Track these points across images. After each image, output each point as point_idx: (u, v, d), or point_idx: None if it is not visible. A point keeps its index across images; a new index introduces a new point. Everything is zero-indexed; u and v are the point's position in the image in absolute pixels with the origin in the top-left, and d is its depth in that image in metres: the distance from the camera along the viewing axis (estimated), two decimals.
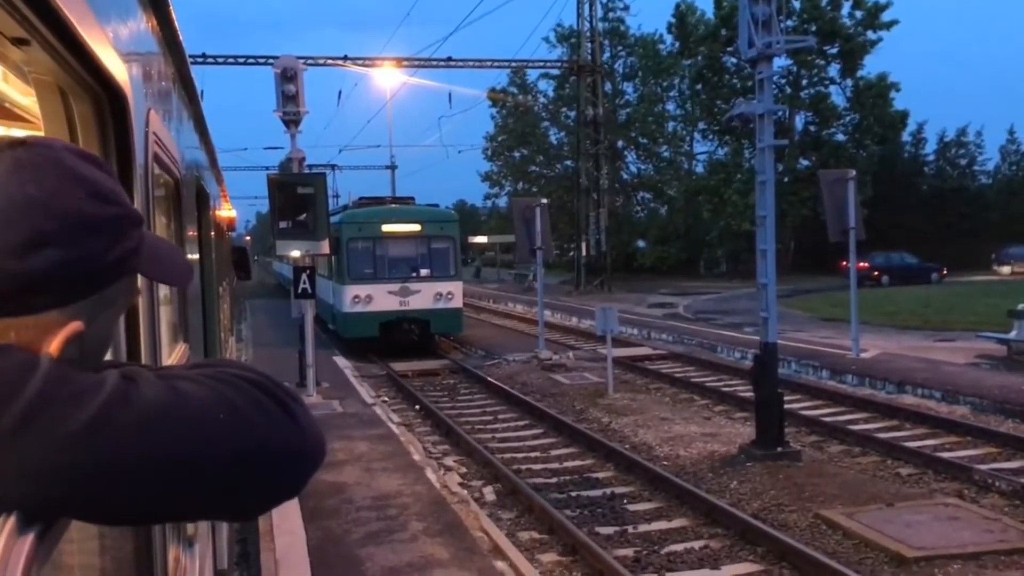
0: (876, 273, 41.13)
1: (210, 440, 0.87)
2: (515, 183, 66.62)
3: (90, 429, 0.82)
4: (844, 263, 39.68)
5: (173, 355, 2.47)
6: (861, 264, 40.45)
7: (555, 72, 55.47)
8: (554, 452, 12.62)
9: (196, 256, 3.91)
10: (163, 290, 2.36)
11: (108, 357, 1.18)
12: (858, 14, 49.84)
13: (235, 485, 0.90)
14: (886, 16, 49.38)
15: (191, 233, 3.45)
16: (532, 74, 60.24)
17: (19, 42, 1.12)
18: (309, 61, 27.58)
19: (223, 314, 7.36)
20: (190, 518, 0.95)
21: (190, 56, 3.09)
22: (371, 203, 26.36)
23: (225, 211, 9.85)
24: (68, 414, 0.82)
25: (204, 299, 4.89)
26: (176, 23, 2.46)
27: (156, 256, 1.11)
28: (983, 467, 10.62)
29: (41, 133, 1.58)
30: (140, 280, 1.67)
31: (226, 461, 0.88)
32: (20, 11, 1.03)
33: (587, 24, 44.22)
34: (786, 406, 12.09)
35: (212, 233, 5.68)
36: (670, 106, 63.25)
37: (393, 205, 26.06)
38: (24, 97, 2.15)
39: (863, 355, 18.11)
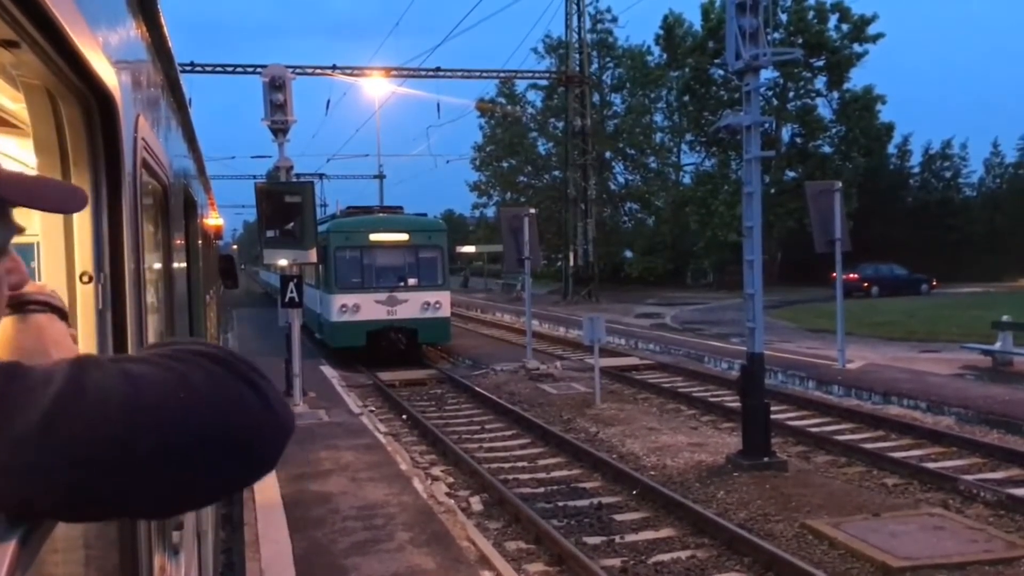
0: (866, 284, 41.40)
1: (171, 422, 0.83)
2: (503, 193, 66.65)
3: (45, 424, 0.78)
4: (833, 274, 40.34)
5: None
6: (851, 275, 41.16)
7: (543, 83, 55.60)
8: (541, 462, 12.61)
9: (183, 265, 3.89)
10: (149, 298, 2.35)
11: None
12: (844, 27, 50.20)
13: (203, 465, 0.85)
14: (872, 29, 49.77)
15: (178, 241, 3.44)
16: (520, 85, 60.36)
17: (8, 44, 1.12)
18: (297, 70, 27.54)
19: (210, 323, 7.32)
20: (164, 505, 0.88)
21: (178, 64, 3.09)
22: (359, 212, 26.32)
23: (212, 219, 9.81)
24: (20, 411, 0.78)
25: (191, 307, 4.87)
26: (166, 29, 2.46)
27: (22, 183, 1.04)
28: (968, 477, 10.67)
29: (30, 137, 1.58)
30: (128, 286, 1.67)
31: (190, 442, 0.84)
32: (9, 12, 1.02)
33: (575, 35, 44.40)
34: (773, 416, 12.13)
35: (199, 241, 5.66)
36: (658, 117, 63.55)
37: (381, 214, 26.02)
38: (14, 103, 2.14)
39: (849, 366, 18.20)
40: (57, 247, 1.52)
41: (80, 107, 1.44)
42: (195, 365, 0.87)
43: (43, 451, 0.78)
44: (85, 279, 1.51)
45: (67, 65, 1.26)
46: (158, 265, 2.71)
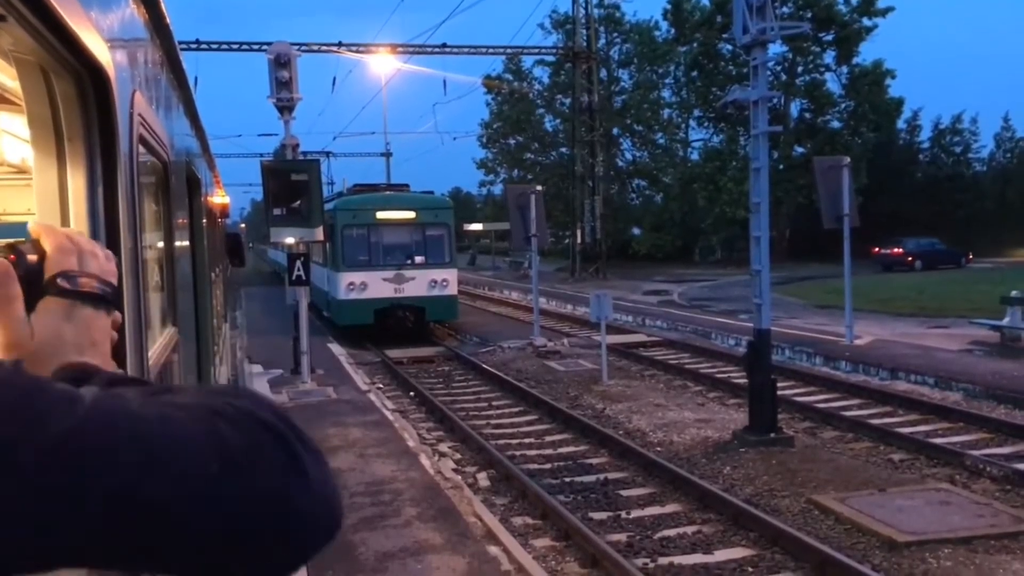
0: (910, 258, 42.26)
1: (188, 488, 0.70)
2: (510, 170, 66.54)
3: (43, 463, 0.66)
4: (876, 249, 41.18)
5: (161, 338, 2.47)
6: (895, 250, 42.05)
7: (550, 59, 55.35)
8: (548, 438, 12.66)
9: (186, 243, 3.90)
10: (150, 277, 2.35)
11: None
12: (854, 1, 49.73)
13: (215, 551, 0.72)
14: (882, 3, 49.30)
15: (181, 220, 3.44)
16: (527, 61, 60.10)
17: None
18: (303, 47, 27.47)
19: (216, 301, 7.34)
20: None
21: (183, 42, 3.10)
22: (366, 190, 26.32)
23: (218, 197, 9.80)
24: (24, 439, 0.66)
25: (196, 285, 4.88)
26: (164, 7, 2.44)
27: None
28: (975, 452, 10.68)
29: (23, 115, 1.58)
30: (125, 263, 1.67)
31: (206, 518, 0.71)
32: None
33: (582, 11, 44.08)
34: (779, 392, 12.14)
35: (204, 219, 5.66)
36: (665, 93, 63.23)
37: (388, 192, 26.01)
38: (12, 80, 2.14)
39: (857, 342, 18.17)
40: (52, 221, 1.53)
41: (73, 82, 1.44)
42: (237, 425, 0.75)
43: (32, 494, 0.66)
44: None
45: (57, 40, 1.25)
46: (159, 244, 2.72)
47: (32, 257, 0.98)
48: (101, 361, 0.98)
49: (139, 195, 1.85)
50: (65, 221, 1.52)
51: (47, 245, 0.99)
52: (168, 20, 2.64)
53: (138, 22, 2.19)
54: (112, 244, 1.60)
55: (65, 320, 0.97)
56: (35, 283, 0.97)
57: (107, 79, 1.47)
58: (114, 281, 1.05)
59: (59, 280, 0.98)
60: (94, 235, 1.54)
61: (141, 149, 2.02)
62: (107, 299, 1.02)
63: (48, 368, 0.93)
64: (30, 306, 0.96)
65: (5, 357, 0.93)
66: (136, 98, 1.88)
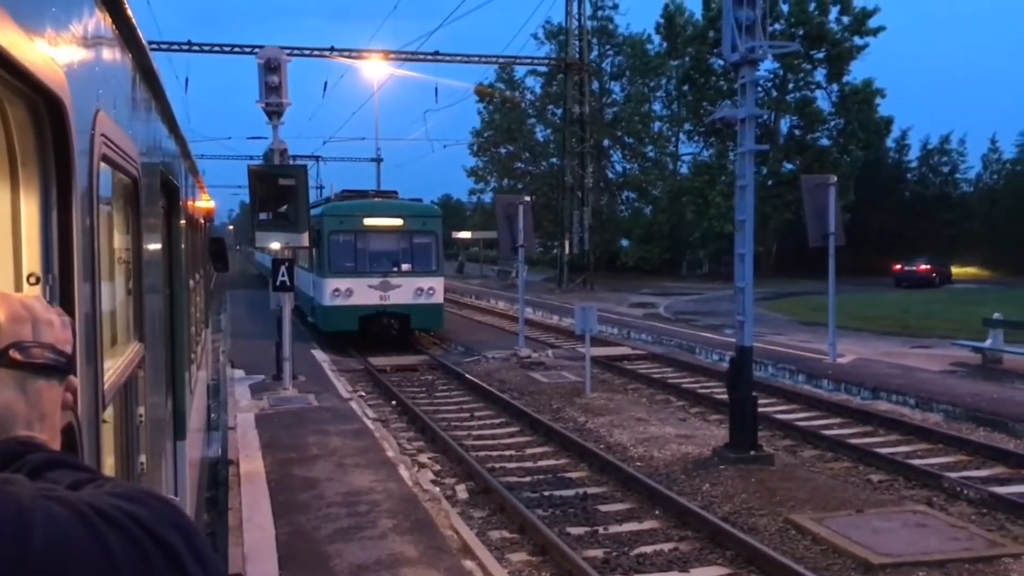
0: (934, 275, 43.89)
1: None
2: (500, 179, 66.61)
3: None
4: (897, 266, 42.45)
5: (124, 357, 2.45)
6: (921, 267, 43.27)
7: (543, 69, 55.45)
8: (529, 451, 12.63)
9: (158, 252, 3.87)
10: (112, 293, 2.33)
11: None
12: (845, 19, 50.14)
13: None
14: (873, 22, 49.77)
15: (152, 230, 3.42)
16: (520, 70, 60.21)
17: None
18: (295, 51, 27.43)
19: (195, 307, 7.30)
20: None
21: (175, 44, 3.06)
22: (354, 196, 26.23)
23: (202, 202, 9.77)
24: None
25: (172, 293, 4.86)
26: (133, 18, 2.42)
27: None
28: (953, 475, 10.71)
29: None
30: (79, 288, 1.65)
31: None
32: None
33: (575, 22, 44.23)
34: (761, 409, 12.16)
35: (183, 225, 5.63)
36: (656, 106, 63.52)
37: (376, 199, 25.94)
38: None
39: (839, 360, 18.23)
40: (4, 247, 1.51)
41: (27, 108, 1.42)
42: (123, 531, 0.75)
43: None
44: (32, 280, 1.50)
45: (8, 72, 1.24)
46: (124, 258, 2.69)
47: None
48: (48, 434, 0.96)
49: (99, 217, 1.83)
50: (17, 246, 1.50)
51: (0, 314, 0.97)
52: (139, 31, 2.62)
53: (105, 37, 2.17)
54: (65, 268, 1.58)
55: (18, 393, 0.95)
56: None
57: (62, 104, 1.45)
58: (68, 349, 1.02)
59: (12, 352, 0.95)
60: (46, 260, 1.52)
61: (105, 167, 2.00)
62: (61, 369, 1.00)
63: None
64: None
65: None
66: (99, 117, 1.86)
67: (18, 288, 1.50)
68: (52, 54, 1.45)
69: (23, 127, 1.45)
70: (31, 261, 1.51)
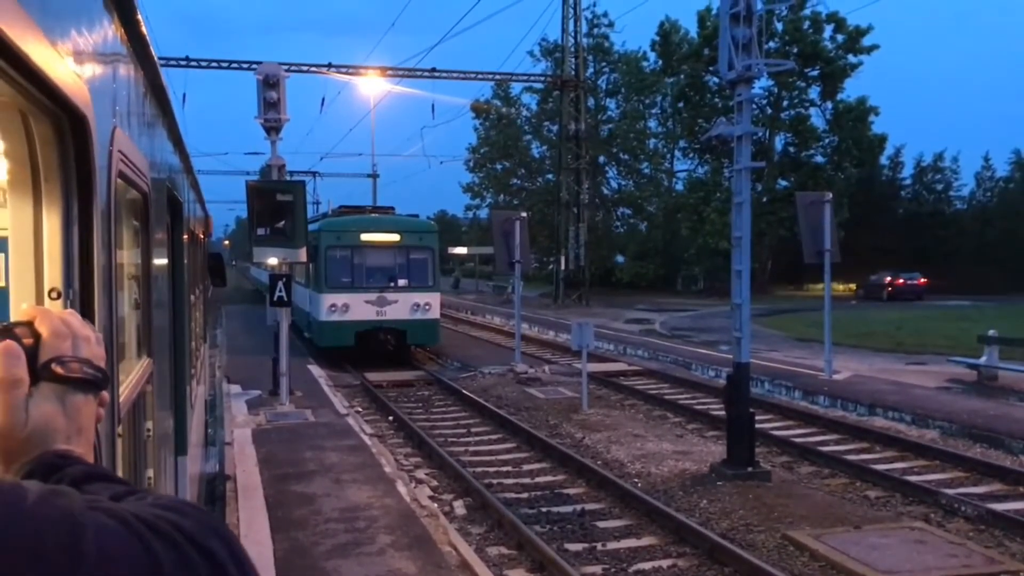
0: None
1: None
2: (496, 195, 66.71)
3: None
4: (922, 281, 43.87)
5: (135, 372, 2.46)
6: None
7: (539, 86, 55.67)
8: (526, 467, 12.61)
9: (165, 267, 3.88)
10: (125, 307, 2.34)
11: None
12: (839, 38, 50.46)
13: None
14: (867, 40, 50.06)
15: (160, 245, 3.43)
16: (516, 87, 60.44)
17: None
18: (292, 67, 27.57)
19: (195, 323, 7.30)
20: None
21: (172, 59, 3.09)
22: (351, 211, 26.29)
23: (200, 217, 9.78)
24: None
25: (175, 308, 4.86)
26: (146, 33, 2.45)
27: None
28: (950, 491, 10.72)
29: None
30: (100, 302, 1.67)
31: None
32: None
33: (571, 39, 44.45)
34: (758, 426, 12.16)
35: (185, 241, 5.65)
36: (652, 123, 63.77)
37: (373, 214, 25.98)
38: None
39: (835, 376, 18.25)
40: (26, 262, 1.52)
41: (51, 125, 1.44)
42: (169, 541, 0.76)
43: None
44: (54, 295, 1.51)
45: (36, 87, 1.26)
46: (135, 273, 2.71)
47: (28, 341, 0.97)
48: (84, 448, 0.98)
49: (116, 232, 1.84)
50: (39, 262, 1.52)
51: (42, 329, 0.98)
52: (151, 48, 2.64)
53: (122, 53, 2.19)
54: (85, 283, 1.60)
55: (58, 406, 0.96)
56: (29, 368, 0.96)
57: (86, 123, 1.47)
58: (103, 364, 1.04)
59: (54, 365, 0.97)
60: (67, 275, 1.54)
61: (120, 183, 2.02)
62: (97, 384, 1.02)
63: (33, 455, 0.93)
64: None
65: None
66: (116, 134, 1.88)
67: (39, 302, 1.51)
68: (78, 71, 1.48)
69: (47, 143, 1.47)
70: (53, 276, 1.52)
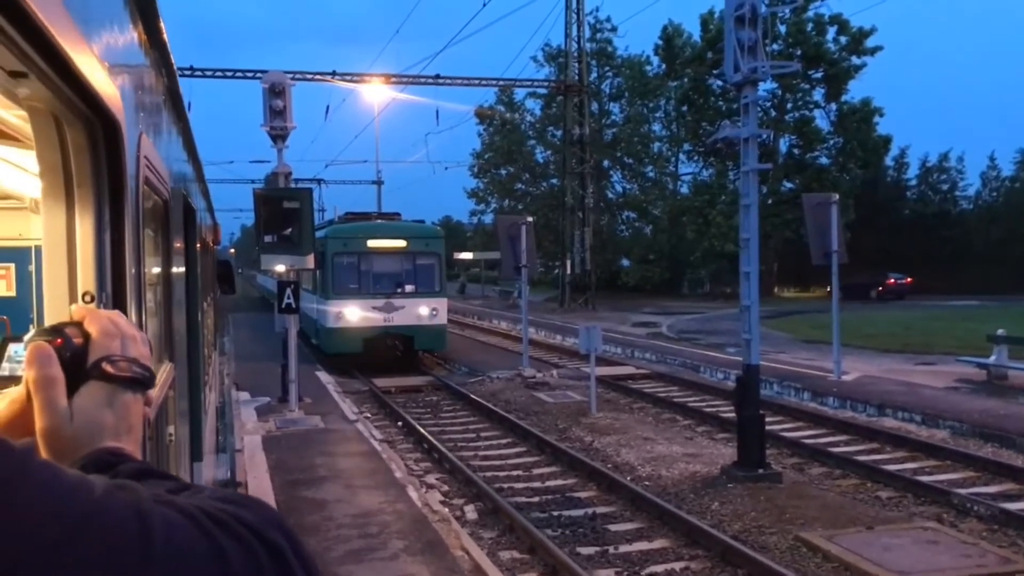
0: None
1: None
2: (501, 200, 66.72)
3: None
4: (908, 280, 44.30)
5: (158, 375, 2.47)
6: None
7: (542, 91, 55.66)
8: (536, 471, 12.60)
9: (182, 272, 3.90)
10: (150, 313, 2.36)
11: None
12: (843, 39, 50.37)
13: None
14: (870, 42, 49.94)
15: (177, 251, 3.45)
16: (519, 93, 60.50)
17: (17, 75, 1.14)
18: (297, 76, 27.63)
19: (207, 328, 7.33)
20: None
21: (177, 69, 3.10)
22: (357, 218, 26.35)
23: (211, 225, 9.81)
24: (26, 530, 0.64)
25: (189, 314, 4.88)
26: (167, 40, 2.47)
27: None
28: (962, 491, 10.69)
29: (33, 155, 1.60)
30: (131, 306, 1.68)
31: None
32: (19, 46, 1.04)
33: (575, 44, 44.48)
34: (768, 427, 12.14)
35: (198, 247, 5.67)
36: (656, 127, 63.67)
37: (379, 221, 26.04)
38: (15, 118, 2.15)
39: (844, 377, 18.22)
40: (60, 267, 1.54)
41: (85, 131, 1.46)
42: (239, 539, 0.76)
43: None
44: (87, 299, 1.53)
45: (73, 91, 1.27)
46: (158, 277, 2.73)
47: (78, 340, 0.99)
48: (133, 447, 0.99)
49: (143, 237, 1.86)
50: (72, 265, 1.53)
51: (92, 329, 1.00)
52: (171, 56, 2.67)
53: (146, 62, 2.21)
54: (118, 287, 1.61)
55: (107, 405, 0.98)
56: (79, 366, 0.98)
57: (118, 127, 1.49)
58: (150, 364, 1.06)
59: (104, 364, 0.98)
60: (100, 279, 1.55)
61: (146, 189, 2.04)
62: (145, 383, 1.03)
63: (83, 452, 0.94)
64: (71, 389, 0.97)
65: (41, 442, 0.94)
66: (143, 141, 1.90)
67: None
68: (112, 78, 1.49)
69: (80, 148, 1.49)
70: (86, 280, 1.54)
